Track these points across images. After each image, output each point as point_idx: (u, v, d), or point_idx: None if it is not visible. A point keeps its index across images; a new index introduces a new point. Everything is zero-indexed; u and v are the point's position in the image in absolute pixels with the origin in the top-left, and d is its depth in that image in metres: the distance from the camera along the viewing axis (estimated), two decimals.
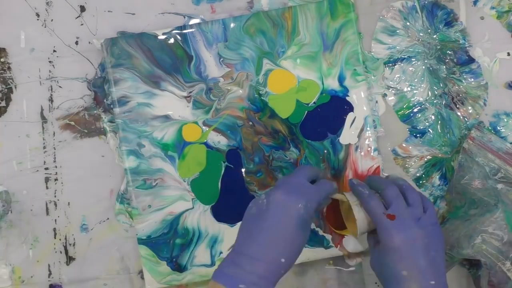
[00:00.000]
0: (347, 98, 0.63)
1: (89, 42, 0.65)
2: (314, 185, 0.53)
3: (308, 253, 0.63)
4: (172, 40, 0.63)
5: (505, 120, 0.65)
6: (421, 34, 0.65)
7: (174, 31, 0.63)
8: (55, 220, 0.64)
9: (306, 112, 0.63)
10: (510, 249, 0.57)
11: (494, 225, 0.57)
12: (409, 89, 0.65)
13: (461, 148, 0.63)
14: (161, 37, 0.63)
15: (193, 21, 0.65)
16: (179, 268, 0.63)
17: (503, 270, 0.56)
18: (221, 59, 0.63)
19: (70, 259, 0.64)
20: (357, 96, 0.63)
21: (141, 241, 0.63)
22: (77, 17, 0.65)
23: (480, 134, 0.63)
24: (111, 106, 0.63)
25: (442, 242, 0.53)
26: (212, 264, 0.63)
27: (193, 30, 0.63)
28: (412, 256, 0.50)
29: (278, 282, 0.64)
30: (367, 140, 0.63)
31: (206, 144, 0.63)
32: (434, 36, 0.65)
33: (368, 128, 0.63)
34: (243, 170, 0.63)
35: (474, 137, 0.63)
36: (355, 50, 0.63)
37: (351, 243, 0.63)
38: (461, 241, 0.58)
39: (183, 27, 0.63)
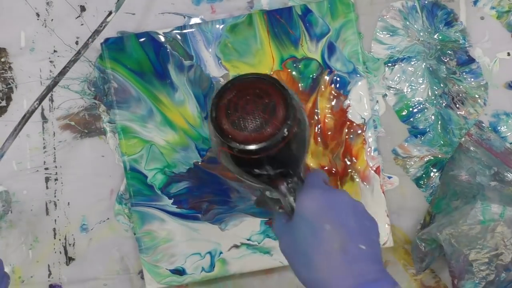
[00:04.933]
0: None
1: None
2: None
3: None
4: (172, 40, 0.63)
5: (505, 120, 0.65)
6: (421, 34, 0.65)
7: (174, 31, 0.63)
8: (55, 220, 0.64)
9: None
10: (478, 241, 0.57)
11: (468, 217, 0.57)
12: (409, 89, 0.65)
13: (458, 143, 0.63)
14: (161, 37, 0.63)
15: (193, 21, 0.65)
16: (178, 272, 0.62)
17: (469, 261, 0.57)
18: (219, 60, 0.63)
19: (70, 259, 0.64)
20: (357, 96, 0.63)
21: None
22: (77, 17, 0.65)
23: (479, 131, 0.63)
24: (111, 106, 0.63)
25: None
26: (212, 266, 0.63)
27: (193, 30, 0.63)
28: (338, 212, 0.44)
29: (278, 282, 0.64)
30: (367, 140, 0.63)
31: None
32: (434, 36, 0.65)
33: (368, 128, 0.63)
34: None
35: (473, 134, 0.63)
36: (355, 50, 0.63)
37: None
38: (432, 229, 0.59)
39: (183, 27, 0.63)
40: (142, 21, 0.65)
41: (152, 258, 0.62)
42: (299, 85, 0.63)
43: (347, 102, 0.63)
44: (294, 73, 0.63)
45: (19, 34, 0.65)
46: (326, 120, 0.63)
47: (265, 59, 0.63)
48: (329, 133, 0.63)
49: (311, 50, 0.63)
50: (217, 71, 0.63)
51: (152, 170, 0.62)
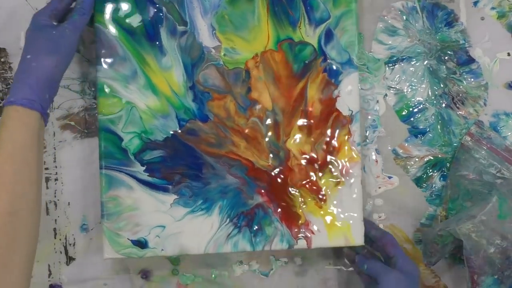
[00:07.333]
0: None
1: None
2: None
3: None
4: (168, 3, 0.61)
5: (505, 120, 0.65)
6: (421, 34, 0.65)
7: None
8: (55, 220, 0.64)
9: None
10: (496, 235, 0.57)
11: (486, 211, 0.57)
12: (409, 89, 0.65)
13: (460, 143, 0.63)
14: None
15: None
16: (140, 244, 0.60)
17: (488, 255, 0.57)
18: (214, 31, 0.62)
19: (70, 259, 0.64)
20: (348, 88, 0.62)
21: None
22: None
23: (479, 130, 0.63)
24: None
25: None
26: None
27: None
28: None
29: (278, 282, 0.64)
30: (352, 134, 0.62)
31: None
32: (435, 37, 0.65)
33: (355, 122, 0.61)
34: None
35: (473, 133, 0.63)
36: (352, 40, 0.61)
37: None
38: (451, 224, 0.59)
39: None
40: None
41: (114, 226, 0.60)
42: (292, 68, 0.62)
43: (337, 92, 0.62)
44: (288, 56, 0.62)
45: (19, 34, 0.65)
46: (313, 108, 0.62)
47: (260, 36, 0.62)
48: (314, 121, 0.62)
49: (309, 34, 0.62)
50: (210, 41, 0.61)
51: (129, 134, 0.60)
